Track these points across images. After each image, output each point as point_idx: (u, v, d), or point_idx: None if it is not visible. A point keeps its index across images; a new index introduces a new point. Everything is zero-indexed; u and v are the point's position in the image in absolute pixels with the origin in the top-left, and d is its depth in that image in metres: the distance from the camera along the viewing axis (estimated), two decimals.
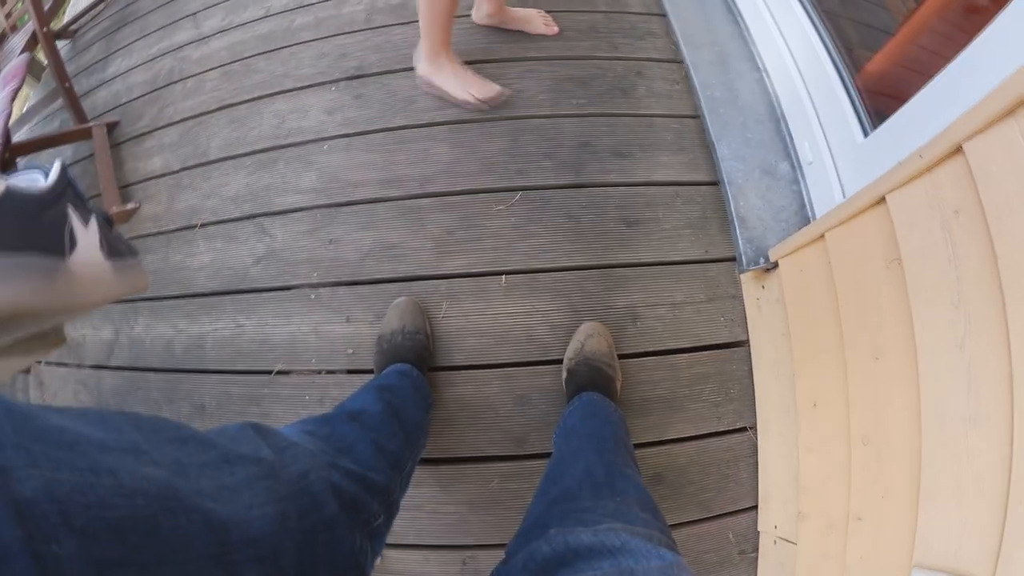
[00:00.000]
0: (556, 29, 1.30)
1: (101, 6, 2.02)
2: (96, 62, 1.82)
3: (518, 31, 1.31)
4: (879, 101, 1.11)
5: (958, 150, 0.59)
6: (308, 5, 1.44)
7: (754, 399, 1.04)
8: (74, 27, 2.08)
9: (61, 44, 2.01)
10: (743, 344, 1.07)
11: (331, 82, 1.28)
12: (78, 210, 0.38)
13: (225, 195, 1.26)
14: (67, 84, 1.66)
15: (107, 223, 0.42)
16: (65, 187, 0.37)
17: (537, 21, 1.30)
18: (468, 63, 1.22)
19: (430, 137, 1.18)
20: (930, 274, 0.63)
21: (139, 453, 0.28)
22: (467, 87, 1.18)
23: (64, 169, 0.38)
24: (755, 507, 1.00)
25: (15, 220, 0.29)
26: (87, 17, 2.06)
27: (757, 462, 1.01)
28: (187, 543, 0.28)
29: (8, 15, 1.93)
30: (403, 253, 1.09)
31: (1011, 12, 0.62)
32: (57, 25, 2.04)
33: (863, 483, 0.74)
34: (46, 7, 1.79)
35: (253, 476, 0.37)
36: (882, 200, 0.73)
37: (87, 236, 0.37)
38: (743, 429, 1.03)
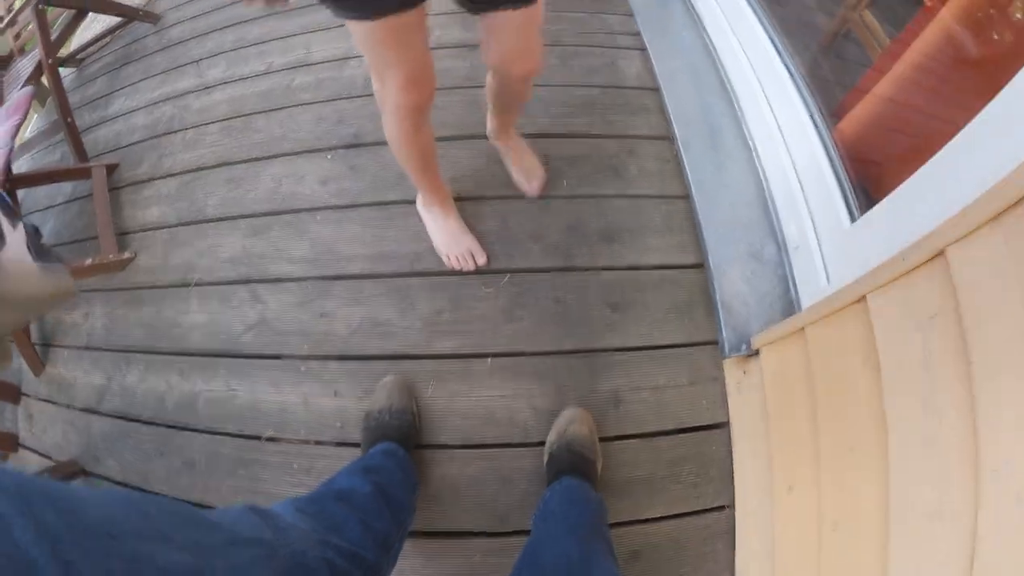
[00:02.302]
0: (535, 192, 1.20)
1: (108, 39, 2.04)
2: (100, 97, 1.84)
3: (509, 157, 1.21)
4: (867, 180, 1.13)
5: (940, 254, 0.61)
6: (309, 65, 1.46)
7: (733, 479, 1.06)
8: (80, 56, 2.11)
9: (66, 72, 2.04)
10: (723, 426, 1.09)
11: (328, 149, 1.30)
12: (7, 216, 0.45)
13: (220, 256, 1.28)
14: (69, 119, 1.68)
15: (36, 233, 0.51)
16: None
17: (524, 166, 1.20)
18: (459, 138, 1.23)
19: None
20: (904, 375, 0.65)
21: (167, 540, 0.34)
22: (449, 247, 1.15)
23: None
24: None
25: None
26: (94, 47, 2.08)
27: (735, 539, 1.03)
28: None
29: (17, 36, 1.96)
30: (392, 331, 1.11)
31: (996, 108, 0.62)
32: (64, 52, 2.06)
33: (832, 566, 0.76)
34: (54, 36, 1.81)
35: (257, 556, 0.44)
36: (863, 299, 0.75)
37: (15, 236, 0.45)
38: (721, 507, 1.05)
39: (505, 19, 0.76)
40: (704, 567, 1.02)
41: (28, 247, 0.47)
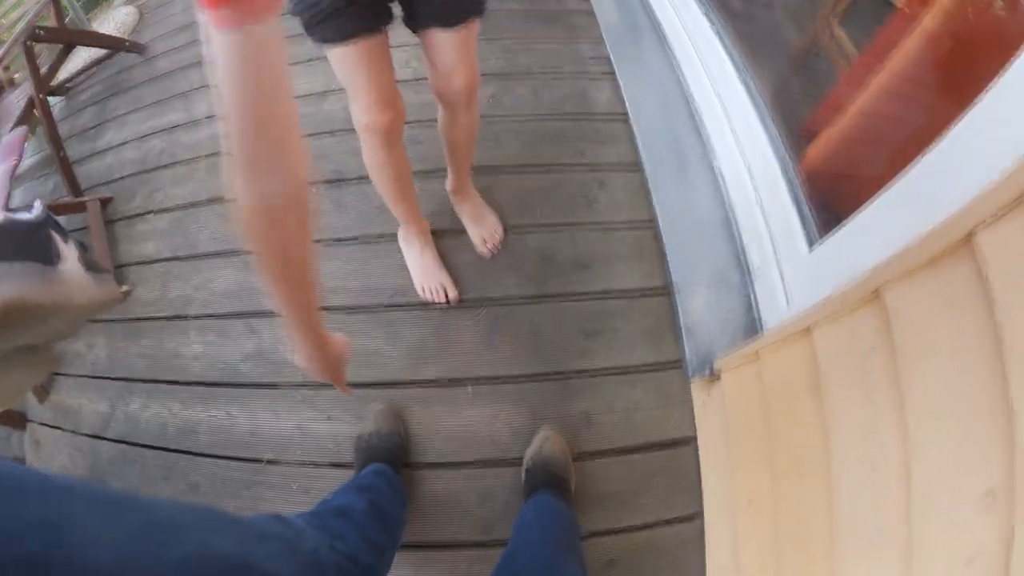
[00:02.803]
0: (487, 254, 1.25)
1: (95, 69, 2.08)
2: (89, 128, 1.89)
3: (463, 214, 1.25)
4: (815, 193, 1.18)
5: (877, 294, 0.66)
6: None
7: (701, 491, 1.13)
8: (69, 85, 2.15)
9: (55, 100, 2.08)
10: (691, 441, 1.16)
11: (311, 184, 1.36)
12: (60, 234, 0.54)
13: (215, 290, 1.35)
14: (62, 153, 1.73)
15: (83, 248, 0.60)
16: (47, 218, 0.54)
17: (481, 233, 1.25)
18: (438, 171, 1.28)
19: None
20: (846, 403, 0.70)
21: (217, 532, 0.44)
22: (424, 279, 1.21)
23: (45, 207, 0.56)
24: None
25: (13, 238, 0.47)
26: (82, 77, 2.12)
27: (705, 548, 1.09)
28: None
29: (6, 68, 1.99)
30: (380, 360, 1.19)
31: (933, 157, 0.66)
32: (53, 81, 2.10)
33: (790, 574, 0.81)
34: (43, 69, 1.85)
35: (283, 549, 0.53)
36: (808, 330, 0.81)
37: (69, 252, 0.54)
38: (691, 517, 1.12)
39: (442, 38, 0.86)
40: (678, 572, 1.09)
41: (80, 260, 0.58)
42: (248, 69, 0.45)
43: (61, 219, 1.74)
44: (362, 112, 0.92)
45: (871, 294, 0.67)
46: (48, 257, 0.50)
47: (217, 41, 0.43)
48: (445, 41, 0.87)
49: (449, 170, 1.22)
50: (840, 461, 0.70)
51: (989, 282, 0.50)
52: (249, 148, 0.49)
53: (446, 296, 1.21)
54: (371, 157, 1.02)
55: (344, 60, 0.84)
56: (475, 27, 0.88)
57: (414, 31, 0.88)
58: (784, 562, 0.83)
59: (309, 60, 1.56)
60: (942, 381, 0.55)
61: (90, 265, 0.57)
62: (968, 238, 0.53)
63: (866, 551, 0.64)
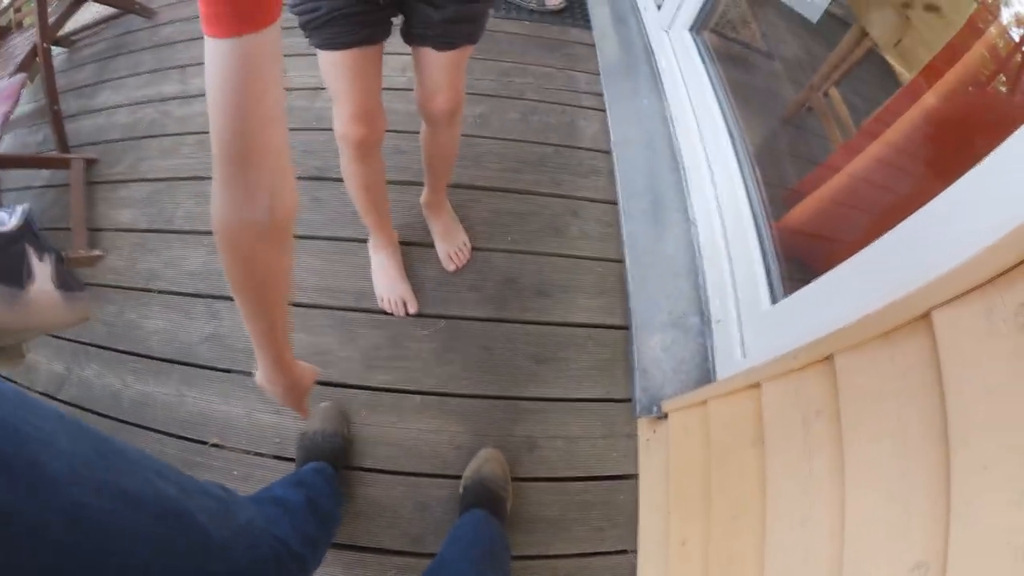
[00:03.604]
0: (452, 269, 1.27)
1: (102, 26, 2.08)
2: (87, 85, 1.89)
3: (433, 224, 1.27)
4: (792, 251, 1.21)
5: (829, 359, 0.67)
6: (286, 90, 1.52)
7: (637, 527, 1.15)
8: (74, 38, 2.14)
9: (58, 51, 2.07)
10: (631, 478, 1.19)
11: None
12: (35, 248, 0.51)
13: (183, 268, 1.36)
14: (56, 107, 1.73)
15: (60, 260, 0.56)
16: (25, 230, 0.51)
17: (448, 249, 1.27)
18: (417, 183, 1.30)
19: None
20: (786, 460, 0.72)
21: (161, 475, 0.45)
22: (385, 291, 1.23)
23: (25, 214, 0.52)
24: None
25: None
26: (87, 32, 2.11)
27: None
28: (185, 533, 0.46)
29: (18, 10, 1.99)
30: (333, 360, 1.20)
31: (905, 234, 0.68)
32: (59, 32, 2.10)
33: None
34: (52, 19, 1.84)
35: (219, 509, 0.53)
36: (758, 386, 0.83)
37: (42, 269, 0.50)
38: (624, 552, 1.14)
39: (433, 57, 0.88)
40: None
41: (53, 278, 0.53)
42: (237, 81, 0.42)
43: (45, 173, 1.76)
44: (340, 121, 0.92)
45: (823, 358, 0.68)
46: (18, 278, 0.43)
47: (208, 48, 0.41)
48: (436, 61, 0.89)
49: (425, 184, 1.24)
50: (775, 516, 0.72)
51: (941, 361, 0.51)
52: (231, 163, 0.47)
53: (405, 309, 1.23)
54: (344, 164, 1.04)
55: (332, 67, 0.83)
56: (467, 53, 0.90)
57: (409, 44, 0.90)
58: None
59: (307, 54, 1.57)
60: (885, 447, 0.56)
61: (64, 283, 0.53)
62: (925, 316, 0.54)
63: None
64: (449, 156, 1.14)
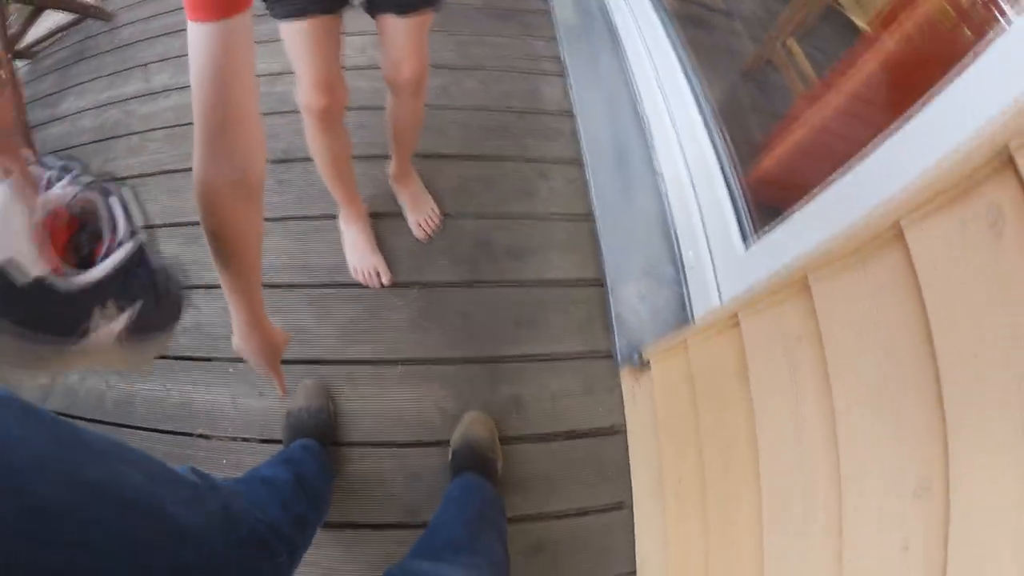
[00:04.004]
0: (423, 237, 1.28)
1: (61, 34, 2.06)
2: (51, 94, 1.88)
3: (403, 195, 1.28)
4: (765, 201, 1.22)
5: (805, 283, 0.67)
6: None
7: (630, 480, 1.16)
8: (35, 49, 2.13)
9: (21, 63, 2.06)
10: (620, 431, 1.19)
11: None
12: (114, 301, 0.39)
13: None
14: (23, 117, 1.72)
15: (158, 300, 0.44)
16: (118, 278, 0.38)
17: (418, 217, 1.28)
18: (382, 156, 1.30)
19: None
20: (773, 391, 0.72)
21: (130, 464, 0.45)
22: (358, 262, 1.24)
23: (131, 257, 0.39)
24: (632, 573, 1.11)
25: (33, 302, 0.33)
26: (49, 41, 2.10)
27: (633, 535, 1.13)
28: (150, 523, 0.45)
29: None
30: (310, 338, 1.21)
31: (874, 162, 0.69)
32: (19, 44, 2.08)
33: (718, 563, 0.83)
34: (11, 31, 1.84)
35: (190, 497, 0.53)
36: (737, 320, 0.83)
37: (109, 327, 0.40)
38: (619, 506, 1.15)
39: (396, 23, 0.89)
40: (605, 559, 1.12)
41: (121, 332, 0.41)
42: (218, 59, 0.50)
43: None
44: (303, 92, 0.95)
45: (799, 283, 0.68)
46: (73, 329, 0.36)
47: (193, 31, 0.49)
48: (399, 28, 0.90)
49: (392, 156, 1.24)
50: (767, 448, 0.72)
51: (918, 275, 0.51)
52: (212, 129, 0.54)
53: (379, 280, 1.24)
54: (310, 136, 1.05)
55: (294, 36, 0.87)
56: (428, 18, 0.91)
57: (372, 16, 0.91)
58: (713, 547, 0.85)
59: (268, 41, 1.57)
60: (870, 369, 0.56)
61: (135, 330, 0.40)
62: (895, 228, 0.54)
63: (795, 535, 0.65)
64: (415, 126, 1.16)
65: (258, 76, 1.52)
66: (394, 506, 1.14)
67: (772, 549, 0.69)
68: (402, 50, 0.94)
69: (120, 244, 0.37)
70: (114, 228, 0.38)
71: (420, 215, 1.28)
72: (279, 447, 1.16)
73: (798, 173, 1.26)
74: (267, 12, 0.83)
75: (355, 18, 0.91)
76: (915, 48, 1.00)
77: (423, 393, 1.18)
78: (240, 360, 1.22)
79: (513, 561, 1.10)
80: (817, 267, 0.65)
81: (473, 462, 1.08)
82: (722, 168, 1.23)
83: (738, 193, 1.19)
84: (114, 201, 0.39)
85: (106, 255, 0.36)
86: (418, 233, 1.28)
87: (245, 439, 1.20)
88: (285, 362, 1.20)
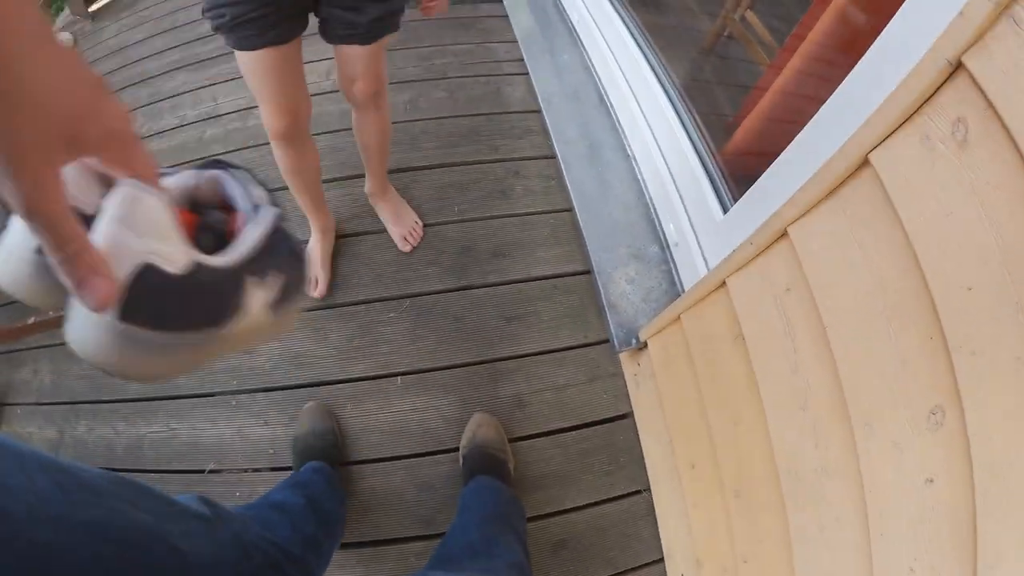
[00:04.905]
0: (408, 249, 1.30)
1: None
2: None
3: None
4: (744, 173, 1.24)
5: (784, 234, 0.67)
6: (217, 116, 1.54)
7: (645, 464, 1.16)
8: None
9: None
10: (627, 416, 1.20)
11: None
12: (266, 270, 0.35)
13: None
14: None
15: (295, 260, 0.38)
16: (263, 254, 0.34)
17: (401, 231, 1.30)
18: (360, 176, 1.32)
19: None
20: (769, 345, 0.72)
21: (134, 504, 0.45)
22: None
23: (275, 220, 0.35)
24: (661, 559, 1.11)
25: (189, 298, 0.29)
26: None
27: (656, 520, 1.13)
28: (156, 558, 0.45)
29: None
30: (309, 361, 1.22)
31: (833, 105, 0.70)
32: None
33: (742, 531, 0.83)
34: None
35: (199, 528, 0.53)
36: (723, 284, 0.83)
37: (259, 298, 0.35)
38: (637, 492, 1.15)
39: (352, 51, 0.91)
40: (630, 547, 1.11)
41: (270, 301, 0.37)
42: None
43: None
44: (264, 116, 0.97)
45: (779, 235, 0.68)
46: (221, 314, 0.32)
47: None
48: (357, 54, 0.92)
49: (367, 173, 1.26)
50: (772, 405, 0.72)
51: (892, 200, 0.50)
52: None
53: (314, 288, 1.28)
54: (277, 155, 1.09)
55: (248, 66, 0.87)
56: (384, 41, 0.93)
57: (331, 43, 0.92)
58: (735, 517, 0.84)
59: (234, 77, 1.60)
60: (864, 307, 0.55)
61: (280, 300, 0.37)
62: (863, 160, 0.54)
63: (815, 489, 0.64)
64: (382, 140, 1.17)
65: (228, 114, 1.54)
66: (409, 519, 1.14)
67: (793, 506, 0.69)
68: (358, 70, 0.95)
69: (257, 211, 0.35)
70: (244, 200, 0.36)
71: (403, 228, 1.30)
72: (289, 474, 1.16)
73: (769, 140, 1.28)
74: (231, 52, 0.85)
75: (318, 42, 0.92)
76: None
77: (425, 402, 1.18)
78: (241, 392, 1.24)
79: (536, 559, 1.11)
80: (794, 216, 0.65)
81: (485, 464, 1.08)
82: (692, 143, 1.24)
83: (711, 164, 1.20)
84: (236, 173, 0.36)
85: (243, 228, 0.34)
86: (403, 246, 1.30)
87: (256, 469, 1.20)
88: (286, 388, 1.22)
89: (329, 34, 0.90)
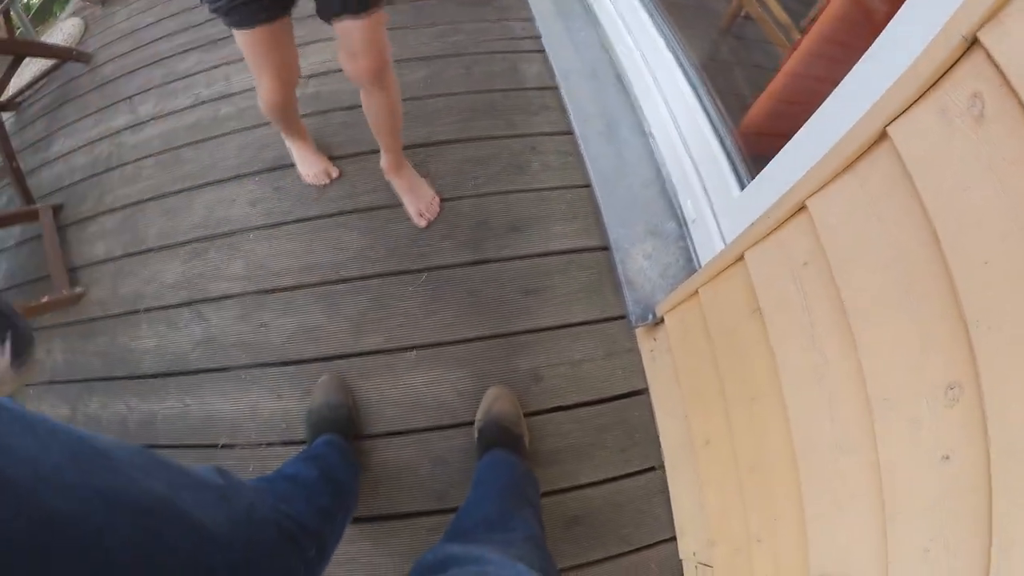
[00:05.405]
0: (424, 224, 1.28)
1: (44, 80, 2.10)
2: (40, 139, 1.90)
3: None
4: (757, 152, 1.23)
5: (803, 208, 0.66)
6: (230, 95, 1.54)
7: (659, 441, 1.15)
8: (19, 99, 2.16)
9: (7, 115, 2.09)
10: (643, 392, 1.18)
11: (253, 173, 1.39)
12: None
13: (164, 282, 1.36)
14: (14, 164, 1.74)
15: (15, 328, 0.52)
16: None
17: (417, 205, 1.29)
18: (373, 151, 1.33)
19: (341, 225, 1.30)
20: (786, 320, 0.70)
21: (148, 472, 0.45)
22: (306, 167, 1.36)
23: None
24: (674, 538, 1.10)
25: None
26: (31, 91, 2.13)
27: (670, 497, 1.11)
28: (174, 528, 0.44)
29: None
30: (323, 334, 1.21)
31: (852, 80, 0.70)
32: (3, 97, 2.11)
33: (757, 508, 0.82)
34: None
35: (213, 498, 0.52)
36: (741, 258, 0.81)
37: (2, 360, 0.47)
38: (652, 469, 1.13)
39: (349, 25, 0.92)
40: (645, 525, 1.10)
41: (11, 360, 0.51)
42: None
43: (14, 228, 1.77)
44: (263, 90, 1.08)
45: (797, 208, 0.68)
46: None
47: None
48: (351, 28, 0.93)
49: (381, 149, 1.25)
50: (789, 380, 0.71)
51: (910, 174, 0.50)
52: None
53: (328, 177, 1.35)
54: (268, 117, 1.20)
55: (244, 44, 0.96)
56: (380, 16, 0.94)
57: (327, 21, 0.94)
58: (749, 492, 0.84)
59: (242, 59, 1.59)
60: (881, 281, 0.55)
61: (16, 356, 0.52)
62: (882, 133, 0.53)
63: (830, 465, 0.63)
64: (391, 117, 1.16)
65: (244, 91, 1.54)
66: (423, 493, 1.13)
67: (808, 482, 0.68)
68: (357, 47, 0.96)
69: None
70: None
71: (420, 203, 1.29)
72: (302, 448, 1.15)
73: (785, 121, 1.26)
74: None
75: (323, 25, 0.94)
76: None
77: (439, 376, 1.17)
78: (255, 365, 1.23)
79: (550, 535, 1.09)
80: (813, 188, 0.64)
81: (500, 438, 1.07)
82: (710, 120, 1.23)
83: (728, 140, 1.19)
84: None
85: None
86: (419, 221, 1.29)
87: (269, 443, 1.19)
88: (300, 361, 1.21)
89: (323, 12, 0.92)
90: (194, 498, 0.49)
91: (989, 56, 0.43)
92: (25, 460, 0.35)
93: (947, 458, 0.48)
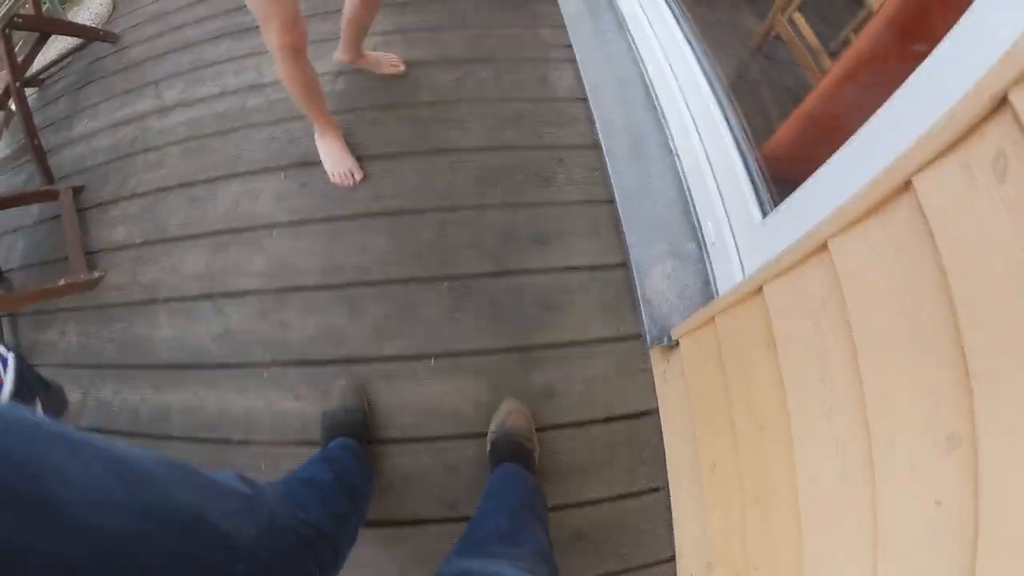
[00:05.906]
0: (402, 69, 1.52)
1: (69, 59, 2.09)
2: (63, 118, 1.90)
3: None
4: (779, 175, 1.22)
5: (824, 247, 0.67)
6: (259, 86, 1.54)
7: (666, 462, 1.15)
8: (43, 76, 2.15)
9: (30, 92, 2.08)
10: (653, 413, 1.19)
11: (280, 168, 1.39)
12: (30, 396, 0.50)
13: (184, 273, 1.37)
14: (36, 141, 1.74)
15: (45, 391, 0.55)
16: (17, 388, 0.50)
17: (385, 64, 1.52)
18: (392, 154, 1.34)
19: (366, 228, 1.30)
20: (800, 355, 0.71)
21: (180, 484, 0.46)
22: (334, 166, 1.38)
23: (18, 369, 0.50)
24: (672, 558, 1.10)
25: None
26: (56, 68, 2.13)
27: (671, 519, 1.11)
28: (206, 540, 0.46)
29: None
30: (344, 337, 1.21)
31: (878, 124, 0.70)
32: (28, 72, 2.11)
33: (757, 537, 0.82)
34: (19, 58, 1.86)
35: (240, 507, 0.54)
36: (760, 290, 0.82)
37: None
38: (656, 489, 1.14)
39: None
40: (644, 544, 1.11)
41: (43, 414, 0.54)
42: None
43: (33, 207, 1.77)
44: (276, 34, 1.10)
45: (819, 248, 0.68)
46: None
47: None
48: None
49: (343, 42, 1.43)
50: (798, 414, 0.72)
51: (930, 224, 0.50)
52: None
53: (353, 179, 1.37)
54: (283, 70, 1.20)
55: None
56: None
57: None
58: (750, 522, 0.84)
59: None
60: (893, 326, 0.56)
61: (50, 413, 0.55)
62: (906, 184, 0.54)
63: (830, 500, 0.65)
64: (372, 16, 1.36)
65: (273, 83, 1.54)
66: (434, 500, 1.14)
67: (808, 517, 0.69)
68: None
69: (3, 361, 0.48)
70: None
71: (385, 64, 1.50)
72: (316, 449, 1.16)
73: (811, 148, 1.26)
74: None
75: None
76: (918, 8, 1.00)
77: (457, 386, 1.18)
78: (274, 363, 1.24)
79: (556, 549, 1.10)
80: (835, 230, 0.65)
81: (512, 452, 1.08)
82: (737, 144, 1.22)
83: (754, 167, 1.19)
84: None
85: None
86: (394, 71, 1.50)
87: (282, 443, 1.20)
88: (319, 363, 1.22)
89: None
90: (221, 508, 0.50)
91: (1016, 116, 0.43)
92: (77, 485, 0.36)
93: (939, 503, 0.49)
